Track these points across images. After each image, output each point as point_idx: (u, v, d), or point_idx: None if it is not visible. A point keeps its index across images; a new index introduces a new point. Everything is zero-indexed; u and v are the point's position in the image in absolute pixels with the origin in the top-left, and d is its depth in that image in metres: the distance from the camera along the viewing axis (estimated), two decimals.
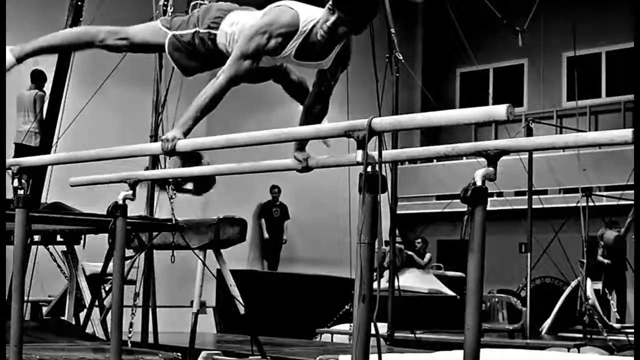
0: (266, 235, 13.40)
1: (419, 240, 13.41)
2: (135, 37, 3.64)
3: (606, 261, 11.37)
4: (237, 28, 3.39)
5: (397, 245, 12.82)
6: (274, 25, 3.23)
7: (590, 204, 10.64)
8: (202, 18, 3.50)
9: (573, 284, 10.55)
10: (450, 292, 11.81)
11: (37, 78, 9.61)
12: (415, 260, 12.71)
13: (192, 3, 8.19)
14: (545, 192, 13.54)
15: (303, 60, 3.34)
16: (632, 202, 10.63)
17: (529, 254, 10.03)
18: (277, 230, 13.45)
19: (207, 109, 3.31)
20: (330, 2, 3.18)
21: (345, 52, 3.37)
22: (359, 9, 3.16)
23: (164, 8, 7.71)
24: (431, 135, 15.94)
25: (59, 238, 7.39)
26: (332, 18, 3.17)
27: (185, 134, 3.30)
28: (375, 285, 2.73)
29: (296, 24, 3.23)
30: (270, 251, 13.64)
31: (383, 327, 8.09)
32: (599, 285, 11.27)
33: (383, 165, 2.70)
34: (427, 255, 13.17)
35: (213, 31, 3.46)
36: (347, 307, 9.39)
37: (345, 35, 3.26)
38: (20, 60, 3.80)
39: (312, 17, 3.24)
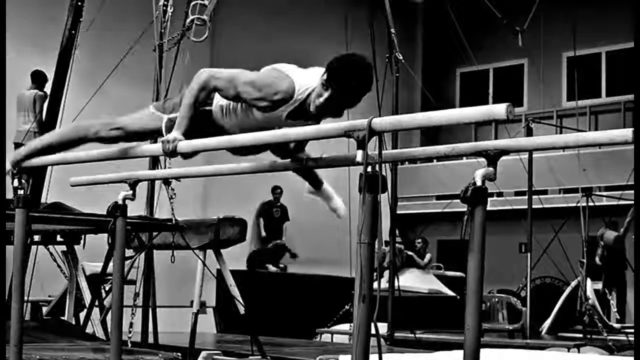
0: (263, 234, 13.31)
1: (419, 240, 13.41)
2: (130, 125, 3.64)
3: (599, 263, 11.36)
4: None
5: (397, 245, 12.83)
6: (271, 89, 3.23)
7: (590, 204, 10.64)
8: None
9: (573, 284, 10.55)
10: (450, 292, 11.81)
11: (38, 78, 9.61)
12: (415, 261, 12.71)
13: (193, 3, 8.19)
14: (545, 192, 13.54)
15: (294, 120, 3.33)
16: (632, 202, 10.63)
17: (529, 254, 10.03)
18: (276, 231, 13.41)
19: (195, 104, 3.34)
20: (324, 77, 3.18)
21: (340, 112, 3.32)
22: (353, 88, 3.16)
23: (164, 8, 7.70)
24: (431, 135, 15.94)
25: (59, 238, 7.39)
26: (326, 94, 3.17)
27: (185, 133, 3.32)
28: (375, 285, 2.73)
29: (291, 93, 3.24)
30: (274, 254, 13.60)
31: (383, 327, 8.09)
32: (599, 285, 11.27)
33: (383, 165, 2.70)
34: (427, 256, 13.17)
35: (207, 107, 3.47)
36: (347, 307, 9.39)
37: (338, 110, 3.25)
38: (15, 165, 3.84)
39: (307, 86, 3.24)
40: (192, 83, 3.35)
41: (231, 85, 3.29)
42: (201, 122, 3.47)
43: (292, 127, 3.37)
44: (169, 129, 3.50)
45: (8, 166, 3.84)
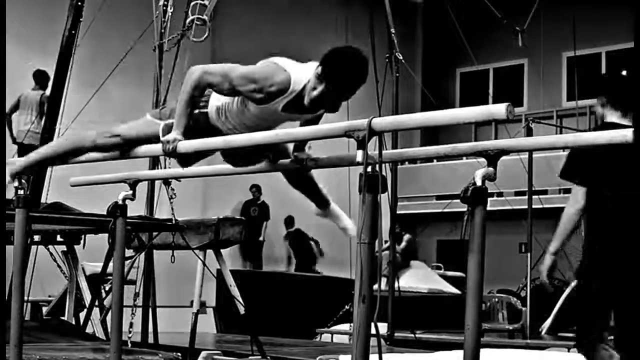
0: None
1: (404, 233, 13.17)
2: (127, 132, 3.64)
3: None
4: (227, 99, 3.41)
5: (408, 236, 12.75)
6: (266, 81, 3.24)
7: None
8: None
9: (573, 284, 10.53)
10: (453, 290, 11.77)
11: (41, 78, 9.62)
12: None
13: (193, 3, 8.18)
14: (545, 192, 13.52)
15: (290, 113, 3.34)
16: None
17: (529, 254, 10.02)
18: (253, 230, 13.23)
19: (191, 101, 3.36)
20: (318, 69, 3.18)
21: (335, 105, 3.33)
22: (347, 81, 3.17)
23: (164, 8, 7.70)
24: (431, 135, 15.94)
25: (59, 238, 7.38)
26: (320, 87, 3.18)
27: (184, 133, 3.33)
28: (375, 286, 2.73)
29: (287, 85, 3.24)
30: (249, 251, 13.52)
31: (383, 327, 8.08)
32: None
33: (383, 165, 2.70)
34: (405, 237, 12.92)
35: (203, 110, 3.48)
36: (347, 307, 9.39)
37: (334, 102, 3.25)
38: (13, 177, 3.84)
39: (303, 78, 3.24)
40: (185, 82, 3.36)
41: (225, 79, 3.30)
42: (197, 126, 3.47)
43: (289, 121, 3.39)
44: (166, 135, 3.50)
45: (8, 178, 3.84)
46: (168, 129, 3.49)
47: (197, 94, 3.37)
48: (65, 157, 3.83)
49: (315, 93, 3.19)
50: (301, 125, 3.49)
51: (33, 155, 3.90)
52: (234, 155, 3.59)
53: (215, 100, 3.46)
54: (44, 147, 3.90)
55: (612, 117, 4.07)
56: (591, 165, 3.93)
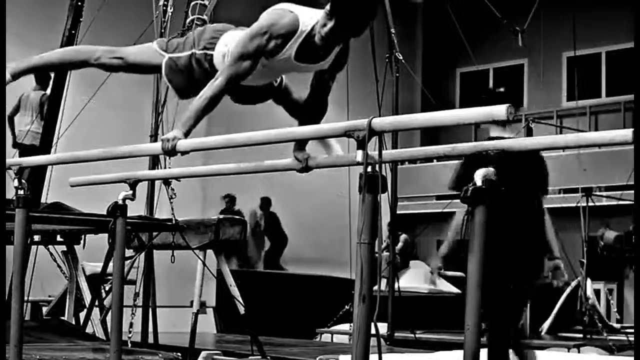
0: None
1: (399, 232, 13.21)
2: (132, 56, 3.67)
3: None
4: (234, 45, 3.39)
5: (405, 236, 12.76)
6: (275, 26, 3.25)
7: (590, 204, 10.62)
8: (198, 40, 3.53)
9: (573, 284, 10.54)
10: (453, 290, 11.76)
11: (42, 78, 9.60)
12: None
13: (193, 3, 8.20)
14: None
15: (303, 62, 3.34)
16: (632, 202, 10.60)
17: None
18: None
19: (207, 110, 3.32)
20: (327, 7, 3.20)
21: (343, 54, 3.38)
22: (355, 16, 3.18)
23: (164, 8, 7.70)
24: (431, 135, 15.94)
25: (59, 238, 7.38)
26: (330, 24, 3.19)
27: (186, 134, 3.31)
28: (375, 287, 2.73)
29: (296, 26, 3.25)
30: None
31: (383, 327, 8.08)
32: (599, 285, 11.23)
33: (383, 165, 2.70)
34: (402, 237, 12.94)
35: (209, 52, 3.47)
36: (347, 307, 9.39)
37: (344, 39, 3.28)
38: (15, 77, 3.81)
39: (312, 19, 3.26)
40: (207, 90, 3.29)
41: (244, 56, 3.26)
42: (200, 68, 3.47)
43: (303, 71, 3.37)
44: (169, 67, 3.54)
45: (8, 76, 3.78)
46: (171, 62, 3.51)
47: (221, 96, 3.34)
48: (68, 66, 3.92)
49: (325, 29, 3.20)
50: (314, 79, 3.45)
51: (37, 58, 3.86)
52: (236, 92, 3.56)
53: (222, 46, 3.44)
54: (47, 53, 3.89)
55: (495, 132, 4.40)
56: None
